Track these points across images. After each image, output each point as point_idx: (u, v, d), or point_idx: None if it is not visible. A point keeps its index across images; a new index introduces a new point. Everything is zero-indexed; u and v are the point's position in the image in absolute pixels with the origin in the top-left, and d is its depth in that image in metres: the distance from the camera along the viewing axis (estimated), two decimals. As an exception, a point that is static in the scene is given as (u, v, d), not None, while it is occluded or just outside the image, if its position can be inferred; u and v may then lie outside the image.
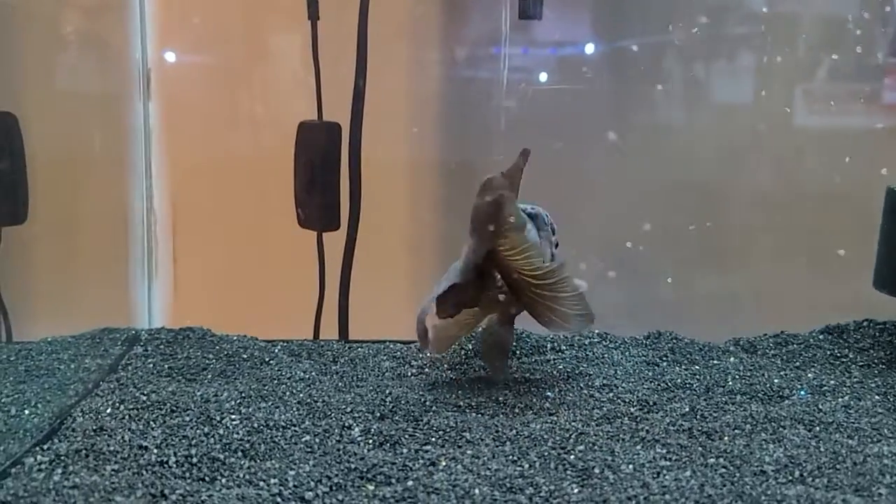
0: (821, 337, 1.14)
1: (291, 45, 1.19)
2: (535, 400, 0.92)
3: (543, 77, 1.25)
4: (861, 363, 1.05)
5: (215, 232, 1.23)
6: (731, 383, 0.98)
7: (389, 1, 1.22)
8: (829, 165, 1.36)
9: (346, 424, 0.83)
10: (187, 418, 0.82)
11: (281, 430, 0.81)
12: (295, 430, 0.81)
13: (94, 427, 0.77)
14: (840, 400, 0.93)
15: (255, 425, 0.81)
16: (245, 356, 1.04)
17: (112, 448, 0.73)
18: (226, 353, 1.04)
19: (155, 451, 0.74)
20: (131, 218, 1.17)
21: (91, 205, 1.14)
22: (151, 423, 0.80)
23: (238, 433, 0.79)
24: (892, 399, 0.94)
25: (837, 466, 0.75)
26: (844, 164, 1.36)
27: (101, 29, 1.15)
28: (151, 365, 0.98)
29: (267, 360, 1.04)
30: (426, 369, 1.04)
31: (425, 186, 1.42)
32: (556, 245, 0.99)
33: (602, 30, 1.25)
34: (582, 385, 0.96)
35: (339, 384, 0.97)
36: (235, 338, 1.09)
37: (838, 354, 1.08)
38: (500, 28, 1.15)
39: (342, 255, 1.24)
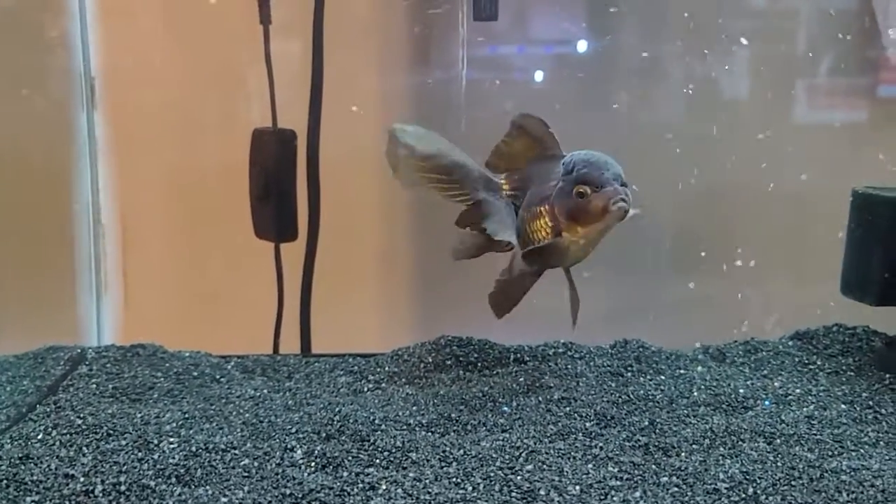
0: (790, 343, 1.11)
1: (244, 51, 1.16)
2: (489, 416, 0.89)
3: (512, 76, 1.23)
4: (829, 370, 1.02)
5: (168, 244, 1.20)
6: (695, 394, 0.96)
7: (346, 4, 1.19)
8: (801, 167, 1.34)
9: (289, 446, 0.80)
10: (123, 442, 0.79)
11: (220, 453, 0.78)
12: (235, 454, 0.78)
13: (20, 455, 0.74)
14: (804, 410, 0.91)
15: (194, 448, 0.78)
16: (195, 374, 1.01)
17: (35, 477, 0.70)
18: (175, 370, 1.01)
19: (82, 479, 0.71)
20: (77, 232, 1.14)
21: (32, 219, 1.11)
22: (83, 448, 0.77)
23: (174, 457, 0.76)
24: (857, 408, 0.91)
25: (793, 483, 0.72)
26: (815, 165, 1.34)
27: (39, 36, 1.11)
28: (95, 385, 0.94)
29: (218, 377, 1.01)
30: (383, 384, 1.01)
31: (395, 192, 1.39)
32: (584, 195, 0.87)
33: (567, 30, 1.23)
34: (541, 399, 0.93)
35: (290, 402, 0.94)
36: (188, 354, 1.06)
37: (806, 361, 1.05)
38: (458, 29, 1.12)
39: (302, 266, 1.21)
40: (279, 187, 1.15)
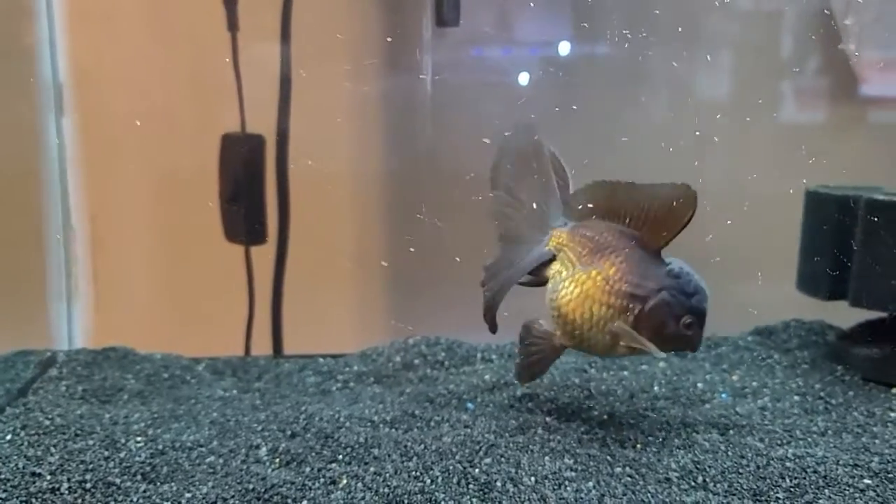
0: (750, 339, 1.14)
1: (213, 56, 1.18)
2: (453, 412, 0.91)
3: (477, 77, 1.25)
4: (785, 364, 1.05)
5: (139, 248, 1.21)
6: (655, 389, 0.98)
7: (313, 10, 1.21)
8: (762, 167, 1.37)
9: (255, 444, 0.81)
10: (90, 442, 0.80)
11: (186, 451, 0.79)
12: (201, 451, 0.80)
13: (-12, 455, 0.75)
14: (759, 402, 0.93)
15: (161, 447, 0.80)
16: (166, 375, 1.03)
17: (2, 476, 0.72)
18: (146, 372, 1.02)
19: (48, 477, 0.72)
20: (47, 236, 1.15)
21: (0, 224, 1.11)
22: (51, 448, 0.78)
23: (140, 456, 0.77)
24: (810, 400, 0.94)
25: (741, 471, 0.74)
26: (778, 163, 1.37)
27: (6, 42, 1.12)
28: (65, 388, 0.96)
29: (188, 378, 1.03)
30: (351, 384, 1.03)
31: (368, 194, 1.41)
32: (689, 326, 0.78)
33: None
34: (505, 395, 0.96)
35: (258, 402, 0.95)
36: (159, 357, 1.07)
37: (764, 356, 1.08)
38: (422, 33, 1.14)
39: (273, 269, 1.23)
40: (248, 191, 1.16)
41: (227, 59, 1.16)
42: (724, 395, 0.96)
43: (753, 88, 1.38)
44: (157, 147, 1.20)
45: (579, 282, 0.80)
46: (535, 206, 0.86)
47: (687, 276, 0.79)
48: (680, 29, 1.30)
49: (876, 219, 0.91)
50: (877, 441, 0.81)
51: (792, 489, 0.71)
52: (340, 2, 1.26)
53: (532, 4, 1.14)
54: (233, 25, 1.14)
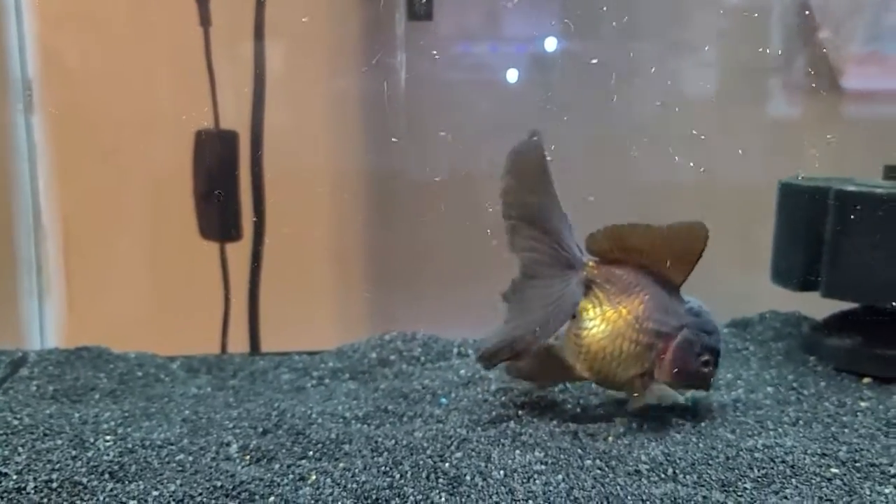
0: (726, 330, 1.14)
1: (186, 52, 1.17)
2: (427, 407, 0.91)
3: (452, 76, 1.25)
4: (760, 355, 1.05)
5: (113, 246, 1.20)
6: (628, 385, 0.98)
7: (287, 4, 1.20)
8: (742, 160, 1.37)
9: (226, 441, 0.81)
10: (58, 442, 0.79)
11: (156, 449, 0.79)
12: (171, 449, 0.79)
13: (-46, 456, 0.75)
14: (733, 393, 0.94)
15: (130, 446, 0.79)
16: (140, 374, 1.02)
17: (-33, 477, 0.71)
18: (119, 371, 1.02)
19: (14, 477, 0.71)
20: (17, 235, 1.14)
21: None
22: (18, 448, 0.78)
23: (109, 455, 0.77)
24: (783, 391, 0.94)
25: (710, 462, 0.74)
26: (756, 157, 1.37)
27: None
28: (35, 387, 0.95)
29: (162, 377, 1.02)
30: (326, 380, 1.03)
31: (347, 191, 1.40)
32: (706, 364, 0.83)
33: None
34: (479, 390, 0.95)
35: (231, 399, 0.95)
36: (133, 356, 1.07)
37: (740, 347, 1.08)
38: (395, 28, 1.14)
39: (249, 266, 1.22)
40: (222, 188, 1.16)
41: (200, 55, 1.15)
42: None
43: (728, 82, 1.38)
44: (130, 144, 1.19)
45: (610, 320, 0.83)
46: (562, 241, 0.84)
47: (706, 315, 0.83)
48: (657, 24, 1.31)
49: (846, 210, 0.92)
50: (846, 430, 0.82)
51: (760, 479, 0.71)
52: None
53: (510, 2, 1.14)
54: (205, 21, 1.13)
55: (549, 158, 0.84)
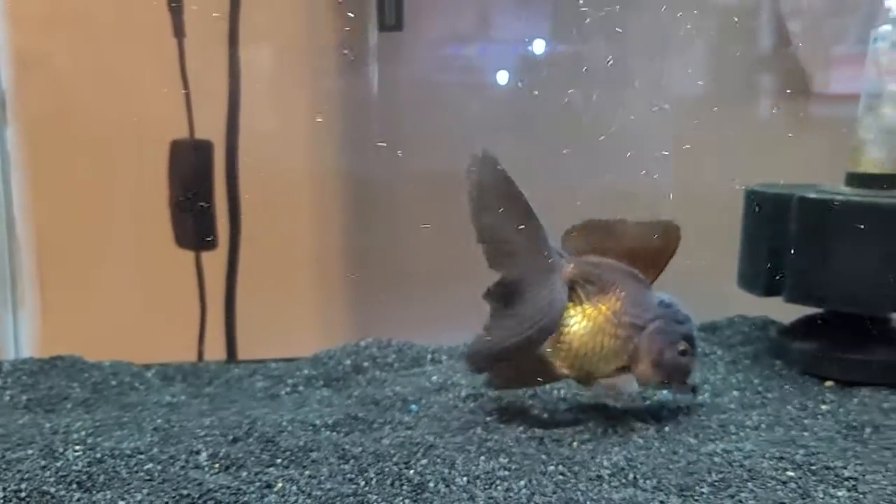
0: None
1: (161, 63, 1.18)
2: (397, 414, 0.92)
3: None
4: (727, 359, 1.07)
5: (88, 257, 1.21)
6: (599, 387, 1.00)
7: (262, 15, 1.21)
8: (713, 166, 1.39)
9: (196, 450, 0.81)
10: (29, 451, 0.80)
11: (125, 458, 0.80)
12: (140, 458, 0.80)
13: (-78, 467, 0.75)
14: (699, 397, 0.95)
15: (100, 455, 0.80)
16: (114, 383, 1.03)
17: (-64, 488, 0.71)
18: (93, 380, 1.02)
19: (-18, 488, 0.72)
20: (-9, 246, 1.15)
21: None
22: (-12, 458, 0.78)
23: (78, 465, 0.77)
24: (748, 395, 0.96)
25: (670, 467, 0.76)
26: (725, 164, 1.39)
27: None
28: (9, 398, 0.96)
29: (137, 385, 1.03)
30: (300, 387, 1.04)
31: (327, 196, 1.42)
32: (684, 353, 0.85)
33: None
34: (450, 396, 0.97)
35: (205, 408, 0.96)
36: (108, 364, 1.07)
37: (708, 352, 1.09)
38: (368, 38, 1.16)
39: (225, 274, 1.23)
40: (196, 197, 1.17)
41: (175, 66, 1.16)
42: (665, 392, 0.97)
43: (700, 87, 1.40)
44: (105, 154, 1.20)
45: (590, 316, 0.85)
46: (540, 246, 0.84)
47: (676, 306, 0.86)
48: (630, 28, 1.32)
49: (808, 217, 0.93)
50: (805, 434, 0.83)
51: (717, 483, 0.72)
52: (290, 7, 1.27)
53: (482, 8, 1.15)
54: (179, 32, 1.14)
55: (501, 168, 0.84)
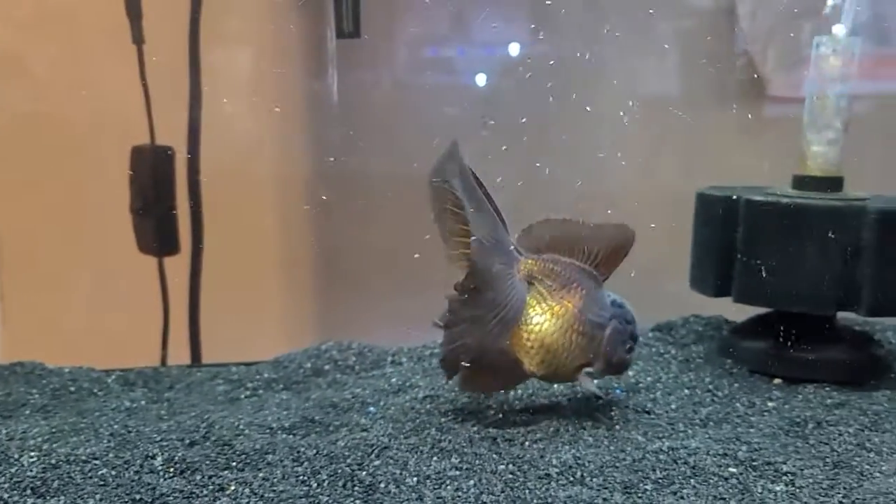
0: (650, 335, 1.18)
1: (122, 68, 1.18)
2: (354, 416, 0.93)
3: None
4: (680, 359, 1.09)
5: (50, 262, 1.21)
6: (556, 387, 1.01)
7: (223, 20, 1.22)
8: (669, 169, 1.41)
9: (151, 454, 0.82)
10: (-17, 459, 0.80)
11: (80, 464, 0.80)
12: (95, 464, 0.80)
13: None
14: (651, 396, 0.97)
15: (54, 461, 0.80)
16: (73, 389, 1.03)
17: None
18: (52, 387, 1.03)
19: (-65, 495, 0.73)
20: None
21: None
22: (-57, 466, 0.79)
23: (32, 471, 0.78)
24: (699, 393, 0.98)
25: (617, 465, 0.78)
26: (683, 163, 1.42)
27: None
28: (-35, 405, 0.96)
29: (96, 391, 1.04)
30: (260, 391, 1.05)
31: (292, 199, 1.42)
32: (630, 350, 0.89)
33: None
34: (408, 398, 0.98)
35: (164, 412, 0.96)
36: (68, 370, 1.08)
37: (662, 351, 1.12)
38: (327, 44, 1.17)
39: (188, 279, 1.24)
40: (157, 203, 1.17)
41: (135, 72, 1.17)
42: (618, 391, 0.99)
43: (655, 89, 1.42)
44: (67, 160, 1.20)
45: (558, 314, 0.86)
46: (500, 241, 0.85)
47: (626, 306, 0.89)
48: (587, 31, 1.34)
49: (754, 218, 0.96)
50: (751, 430, 0.86)
51: (660, 480, 0.74)
52: (251, 12, 1.27)
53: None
54: (138, 39, 1.15)
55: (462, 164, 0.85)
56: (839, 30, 0.98)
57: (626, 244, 0.87)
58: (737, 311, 1.15)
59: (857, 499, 0.70)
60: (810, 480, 0.74)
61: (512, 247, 0.87)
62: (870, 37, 1.49)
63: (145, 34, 1.17)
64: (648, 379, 1.02)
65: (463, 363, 0.86)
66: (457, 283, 0.85)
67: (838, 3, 1.04)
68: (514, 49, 1.31)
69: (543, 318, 0.86)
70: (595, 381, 0.90)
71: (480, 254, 0.84)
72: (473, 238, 0.83)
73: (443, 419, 0.91)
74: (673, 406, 0.94)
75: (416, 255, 0.98)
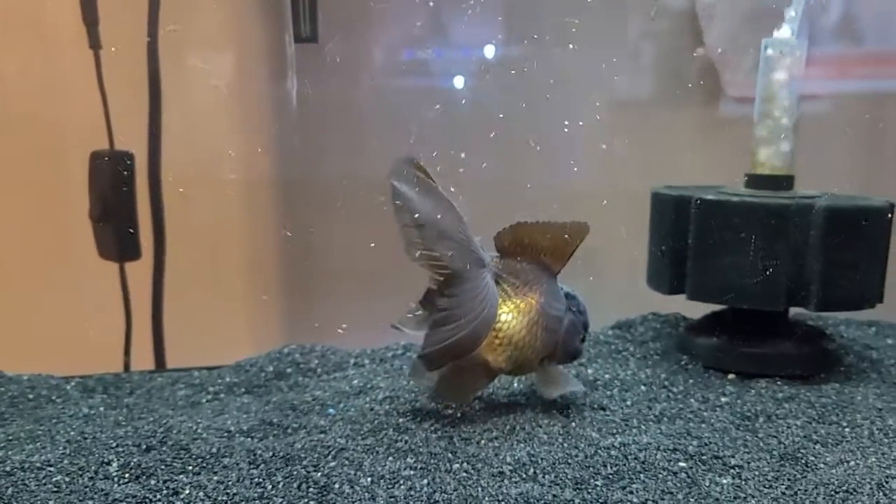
0: (610, 332, 1.20)
1: (80, 74, 1.18)
2: (314, 418, 0.93)
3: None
4: (638, 356, 1.11)
5: (9, 270, 1.20)
6: (515, 386, 1.02)
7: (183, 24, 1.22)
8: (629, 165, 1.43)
9: (107, 460, 0.82)
10: (-64, 468, 0.80)
11: (35, 471, 0.80)
12: (50, 471, 0.80)
13: None
14: (608, 392, 0.99)
15: (9, 468, 0.80)
16: (31, 396, 1.03)
17: None
18: (10, 394, 1.02)
19: None
20: None
21: None
22: None
23: (-15, 479, 0.78)
24: (654, 389, 1.00)
25: (569, 461, 0.79)
26: (645, 163, 1.43)
27: None
28: (-79, 414, 0.95)
29: (54, 398, 1.03)
30: (221, 395, 1.05)
31: (258, 202, 1.42)
32: (584, 340, 0.94)
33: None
34: (367, 399, 0.98)
35: (122, 418, 0.96)
36: (26, 378, 1.07)
37: (621, 349, 1.13)
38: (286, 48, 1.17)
39: (151, 284, 1.24)
40: (118, 208, 1.17)
41: (93, 78, 1.16)
42: (575, 392, 1.00)
43: (618, 89, 1.44)
44: (26, 166, 1.19)
45: (524, 310, 0.89)
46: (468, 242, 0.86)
47: (577, 298, 0.92)
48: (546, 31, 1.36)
49: (705, 217, 0.97)
50: (703, 425, 0.87)
51: (611, 476, 0.76)
52: (211, 16, 1.27)
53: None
54: (94, 44, 1.14)
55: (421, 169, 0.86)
56: (785, 32, 1.00)
57: (577, 238, 0.89)
58: (696, 309, 1.17)
59: (799, 490, 0.72)
60: (756, 473, 0.75)
61: (479, 247, 0.89)
62: (844, 37, 1.53)
63: (104, 39, 1.16)
64: (606, 376, 1.04)
65: (444, 363, 0.87)
66: (439, 283, 0.86)
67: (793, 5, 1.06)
68: (475, 51, 1.33)
69: (511, 316, 0.88)
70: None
71: (460, 255, 0.85)
72: (448, 240, 0.85)
73: (401, 419, 0.91)
74: (628, 402, 0.95)
75: (372, 245, 0.98)
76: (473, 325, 0.85)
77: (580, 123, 1.26)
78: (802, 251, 0.95)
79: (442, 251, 0.85)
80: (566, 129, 1.35)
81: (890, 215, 0.98)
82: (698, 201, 0.99)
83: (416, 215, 0.85)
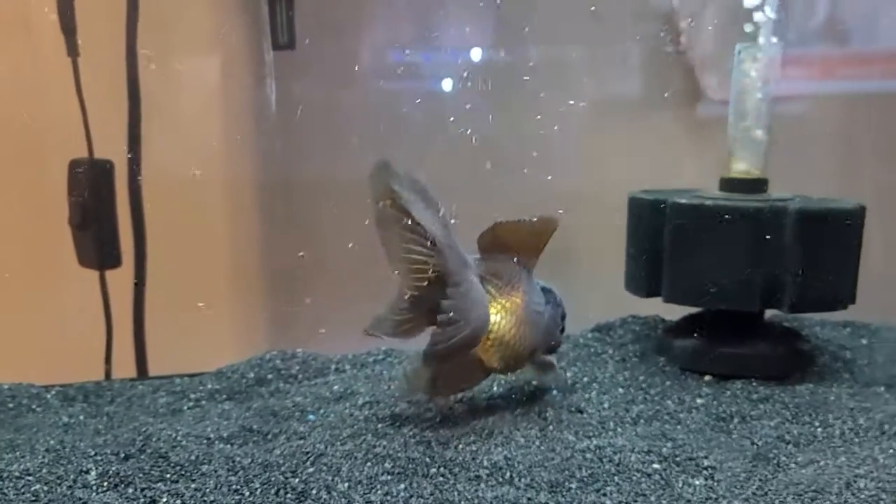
0: (590, 335, 1.21)
1: (57, 83, 1.18)
2: (293, 424, 0.94)
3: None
4: (617, 358, 1.12)
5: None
6: (495, 389, 1.03)
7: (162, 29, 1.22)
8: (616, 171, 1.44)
9: (85, 469, 0.82)
10: (-86, 479, 0.80)
11: (13, 480, 0.80)
12: (28, 480, 0.80)
13: None
14: (586, 395, 1.00)
15: (-13, 479, 0.80)
16: (11, 405, 1.03)
17: None
18: (-11, 403, 1.02)
19: None
20: None
21: None
22: None
23: (-37, 489, 0.78)
24: (632, 391, 1.01)
25: (546, 464, 0.80)
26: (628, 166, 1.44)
27: None
28: None
29: (34, 407, 1.03)
30: (203, 402, 1.05)
31: (242, 208, 1.43)
32: (563, 331, 0.97)
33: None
34: (347, 405, 0.99)
35: (101, 427, 0.96)
36: (7, 387, 1.07)
37: (600, 351, 1.14)
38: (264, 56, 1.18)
39: (132, 291, 1.24)
40: (98, 216, 1.17)
41: (71, 86, 1.16)
42: (554, 392, 1.01)
43: (595, 93, 1.45)
44: (4, 174, 1.19)
45: (511, 310, 0.90)
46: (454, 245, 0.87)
47: (553, 291, 0.95)
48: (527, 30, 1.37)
49: (679, 220, 0.99)
50: (678, 427, 0.88)
51: (585, 479, 0.76)
52: (191, 21, 1.28)
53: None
54: (72, 51, 1.14)
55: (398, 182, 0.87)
56: (758, 35, 1.02)
57: (547, 232, 0.91)
58: (676, 311, 1.19)
59: (770, 490, 0.73)
60: (728, 474, 0.76)
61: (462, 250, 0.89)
62: (829, 39, 1.55)
63: (82, 47, 1.17)
64: (585, 379, 1.05)
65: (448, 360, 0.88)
66: (433, 286, 0.86)
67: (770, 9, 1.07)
68: (455, 55, 1.34)
69: (499, 316, 0.90)
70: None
71: (452, 257, 0.86)
72: (441, 242, 0.85)
73: (380, 425, 0.92)
74: (606, 405, 0.96)
75: (350, 245, 0.99)
76: (474, 323, 0.86)
77: (555, 128, 1.28)
78: (776, 253, 0.96)
79: (440, 252, 0.86)
80: (542, 132, 1.36)
81: (861, 217, 0.99)
82: (672, 205, 1.00)
83: (416, 216, 0.85)
